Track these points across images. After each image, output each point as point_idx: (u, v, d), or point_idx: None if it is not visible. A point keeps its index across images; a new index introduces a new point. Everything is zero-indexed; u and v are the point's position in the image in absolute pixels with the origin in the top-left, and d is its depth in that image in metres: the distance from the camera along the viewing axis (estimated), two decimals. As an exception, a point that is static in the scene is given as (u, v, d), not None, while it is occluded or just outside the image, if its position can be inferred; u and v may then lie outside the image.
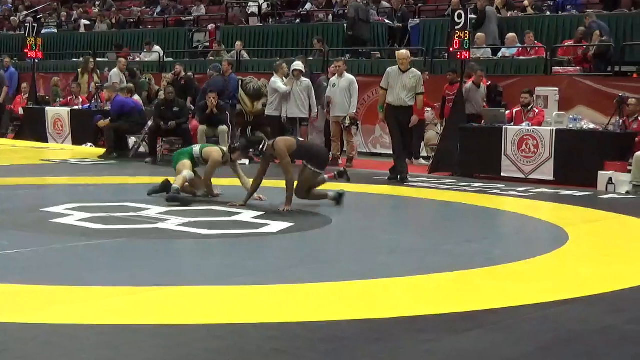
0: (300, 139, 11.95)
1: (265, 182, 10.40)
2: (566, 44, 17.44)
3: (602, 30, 16.68)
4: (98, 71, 20.21)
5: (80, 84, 20.16)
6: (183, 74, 19.13)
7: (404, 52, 13.84)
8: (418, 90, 13.38)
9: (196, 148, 11.02)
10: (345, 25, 20.71)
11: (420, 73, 13.81)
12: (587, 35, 16.81)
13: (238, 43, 21.97)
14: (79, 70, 19.41)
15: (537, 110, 14.56)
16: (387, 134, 18.10)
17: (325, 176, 10.66)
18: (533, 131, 13.88)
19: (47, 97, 21.83)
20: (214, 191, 10.76)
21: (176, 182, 10.29)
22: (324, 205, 10.25)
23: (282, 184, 10.12)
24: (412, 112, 13.68)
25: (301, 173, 10.35)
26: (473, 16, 17.14)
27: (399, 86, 13.28)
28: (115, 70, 19.22)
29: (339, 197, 10.42)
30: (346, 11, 20.93)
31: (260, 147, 10.25)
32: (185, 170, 10.48)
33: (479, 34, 17.84)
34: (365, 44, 20.45)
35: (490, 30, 18.67)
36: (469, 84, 15.48)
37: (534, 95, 14.74)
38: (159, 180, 10.74)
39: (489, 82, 16.07)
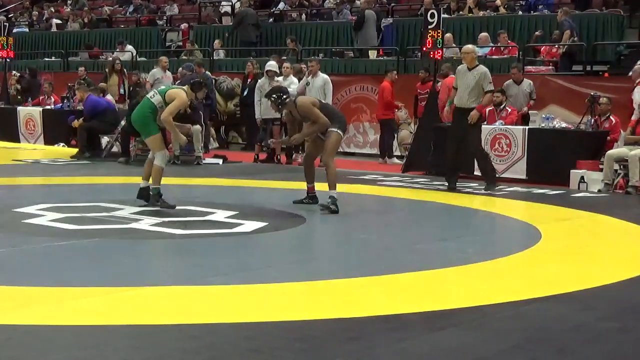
0: (322, 101, 11.20)
1: (265, 183, 10.32)
2: (536, 44, 17.57)
3: (574, 30, 16.80)
4: (125, 71, 19.68)
5: (100, 86, 19.16)
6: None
7: (468, 47, 12.88)
8: (485, 87, 12.22)
9: (155, 98, 9.74)
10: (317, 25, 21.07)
11: (485, 69, 12.53)
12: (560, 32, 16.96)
13: (216, 42, 21.94)
14: (107, 70, 18.82)
15: (509, 110, 14.65)
16: (361, 134, 18.24)
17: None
18: (506, 130, 13.96)
19: (19, 97, 21.66)
20: (184, 136, 10.20)
21: (155, 181, 9.65)
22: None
23: (283, 184, 10.06)
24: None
25: (327, 139, 9.89)
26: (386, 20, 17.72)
27: (463, 85, 12.31)
28: (157, 69, 18.61)
29: (329, 208, 9.77)
30: (235, 14, 22.65)
31: (285, 96, 9.83)
32: (159, 154, 9.68)
33: (447, 35, 17.93)
34: (255, 45, 21.50)
35: (369, 33, 19.50)
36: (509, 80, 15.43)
37: (506, 94, 14.84)
38: (132, 180, 10.69)
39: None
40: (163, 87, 10.22)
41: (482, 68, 12.43)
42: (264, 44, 21.93)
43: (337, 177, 9.90)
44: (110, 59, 21.41)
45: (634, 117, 12.97)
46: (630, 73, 14.30)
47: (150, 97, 9.82)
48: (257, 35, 21.88)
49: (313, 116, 9.81)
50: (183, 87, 10.02)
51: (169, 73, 18.12)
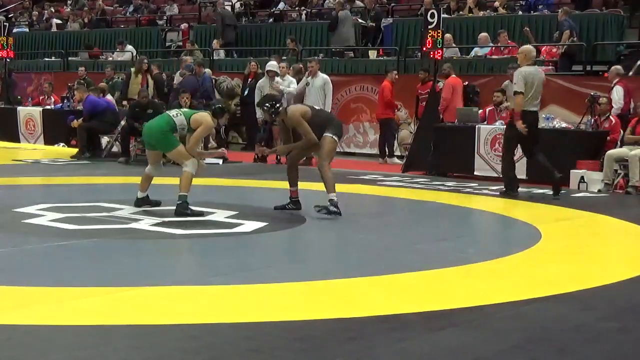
0: (316, 107, 10.82)
1: (265, 183, 10.29)
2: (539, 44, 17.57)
3: (573, 30, 16.81)
4: (151, 69, 19.51)
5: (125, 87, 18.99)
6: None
7: (522, 47, 12.46)
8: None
9: (178, 119, 9.48)
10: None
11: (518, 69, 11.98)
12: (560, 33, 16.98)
13: (215, 42, 21.94)
14: (132, 70, 18.75)
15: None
16: (361, 134, 18.25)
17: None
18: (506, 130, 13.94)
19: (20, 97, 21.67)
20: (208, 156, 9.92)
21: (183, 188, 9.25)
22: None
23: (283, 184, 10.03)
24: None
25: (322, 145, 9.61)
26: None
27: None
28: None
29: (328, 210, 9.54)
30: (215, 18, 23.03)
31: (278, 105, 9.64)
32: (189, 162, 9.33)
33: (447, 35, 17.94)
34: (236, 44, 21.85)
35: (343, 33, 19.86)
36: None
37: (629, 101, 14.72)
38: (132, 180, 10.68)
39: (466, 82, 16.11)
40: (186, 109, 9.97)
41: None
42: (263, 44, 21.94)
43: (334, 180, 9.65)
44: (107, 59, 21.40)
45: (613, 112, 13.46)
46: (607, 74, 14.57)
47: (173, 115, 9.53)
48: (235, 35, 22.41)
49: (301, 129, 9.59)
50: (206, 111, 9.87)
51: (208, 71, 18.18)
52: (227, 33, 22.20)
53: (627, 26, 18.31)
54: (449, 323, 5.34)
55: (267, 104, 9.72)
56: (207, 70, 18.42)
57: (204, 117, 9.53)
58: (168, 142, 9.47)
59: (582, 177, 12.76)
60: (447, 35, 17.90)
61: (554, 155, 13.32)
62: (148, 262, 7.25)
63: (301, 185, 9.91)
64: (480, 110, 14.93)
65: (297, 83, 16.11)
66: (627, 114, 13.69)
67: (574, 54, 16.89)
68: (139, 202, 9.71)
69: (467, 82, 16.12)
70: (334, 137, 9.66)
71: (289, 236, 8.74)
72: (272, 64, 16.32)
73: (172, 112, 9.71)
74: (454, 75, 15.77)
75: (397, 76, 16.66)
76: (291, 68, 16.90)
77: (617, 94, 13.95)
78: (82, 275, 6.41)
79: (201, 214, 9.36)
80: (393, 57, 19.44)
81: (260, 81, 16.32)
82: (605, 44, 17.25)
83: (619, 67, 14.54)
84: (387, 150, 16.83)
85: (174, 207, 9.22)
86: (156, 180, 9.88)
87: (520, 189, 12.44)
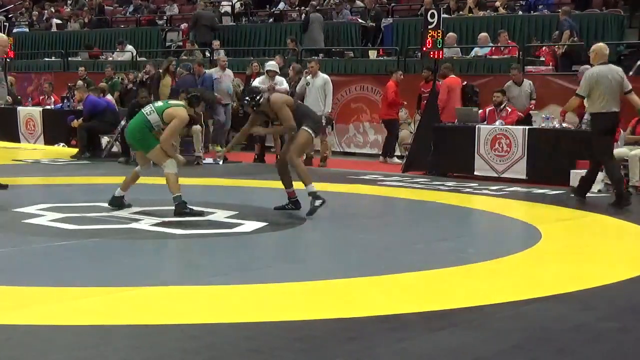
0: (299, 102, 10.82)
1: (265, 183, 10.26)
2: (537, 44, 17.58)
3: (573, 30, 16.81)
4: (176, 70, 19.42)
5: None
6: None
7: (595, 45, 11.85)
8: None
9: (152, 116, 9.33)
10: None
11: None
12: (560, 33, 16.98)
13: (215, 42, 21.94)
14: (161, 71, 18.55)
15: (509, 109, 14.66)
16: (361, 134, 18.26)
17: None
18: (506, 130, 13.96)
19: (20, 97, 21.68)
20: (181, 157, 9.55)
21: (172, 189, 9.20)
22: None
23: (265, 183, 10.04)
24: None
25: (296, 135, 9.59)
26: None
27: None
28: (216, 68, 18.23)
29: (314, 209, 9.48)
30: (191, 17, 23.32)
31: (258, 97, 9.55)
32: (168, 162, 9.24)
33: (451, 34, 17.93)
34: (210, 45, 21.93)
35: (314, 35, 20.47)
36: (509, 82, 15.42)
37: (506, 94, 14.85)
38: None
39: (465, 82, 16.12)
40: (160, 103, 9.80)
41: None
42: (263, 44, 21.94)
43: (308, 171, 9.49)
44: (107, 59, 21.33)
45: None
46: (577, 74, 14.53)
47: (147, 113, 9.40)
48: (212, 36, 22.59)
49: (282, 114, 9.48)
50: (180, 102, 9.72)
51: (228, 71, 18.07)
52: (201, 33, 22.45)
53: (627, 26, 18.32)
54: (449, 323, 5.34)
55: (247, 97, 9.71)
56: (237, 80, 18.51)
57: (177, 110, 9.36)
58: (146, 142, 9.37)
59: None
60: (452, 35, 17.93)
61: (554, 155, 13.36)
62: (148, 262, 7.25)
63: (295, 185, 9.88)
64: (480, 111, 14.94)
65: (299, 82, 16.08)
66: None
67: (574, 53, 16.87)
68: (114, 201, 9.54)
69: (465, 82, 16.12)
70: (310, 131, 9.59)
71: (289, 236, 8.74)
72: (271, 64, 16.32)
73: (146, 110, 9.51)
74: (452, 76, 15.77)
75: (402, 76, 16.66)
76: (291, 68, 16.88)
77: None
78: (82, 275, 6.41)
79: (201, 213, 9.34)
80: (393, 57, 19.44)
81: (260, 79, 16.26)
82: (605, 43, 17.20)
83: (587, 66, 14.45)
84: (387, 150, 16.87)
85: (173, 207, 9.20)
86: (155, 180, 9.87)
87: (519, 189, 12.46)
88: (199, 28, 22.45)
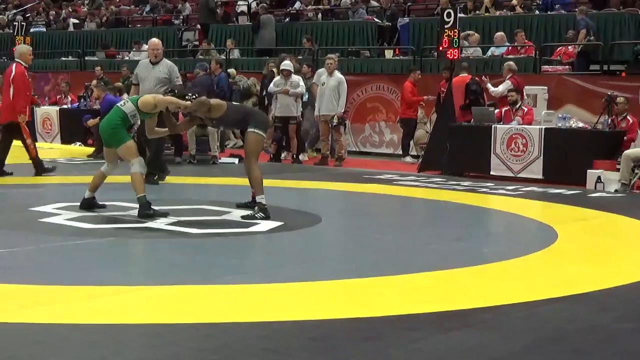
0: (234, 103, 10.56)
1: (280, 183, 10.15)
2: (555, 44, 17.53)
3: (590, 29, 16.75)
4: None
5: None
6: None
7: None
8: None
9: (127, 105, 9.25)
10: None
11: None
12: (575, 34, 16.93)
13: (229, 41, 21.97)
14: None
15: (526, 109, 14.62)
16: (377, 133, 18.24)
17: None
18: (522, 130, 13.92)
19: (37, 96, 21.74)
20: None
21: (137, 189, 9.05)
22: (314, 204, 10.23)
23: (298, 183, 10.01)
24: None
25: (246, 142, 9.38)
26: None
27: None
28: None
29: (254, 217, 9.11)
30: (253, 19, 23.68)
31: (193, 96, 9.28)
32: (135, 161, 9.18)
33: (476, 36, 17.93)
34: (253, 44, 22.40)
35: (266, 35, 21.48)
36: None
37: (522, 94, 14.82)
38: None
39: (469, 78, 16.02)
40: (135, 96, 9.72)
41: None
42: (279, 44, 21.94)
43: (262, 180, 9.22)
44: (123, 58, 21.34)
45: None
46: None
47: (121, 105, 9.31)
48: (212, 17, 23.62)
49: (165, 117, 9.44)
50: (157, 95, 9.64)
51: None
52: (202, 15, 23.46)
53: (644, 25, 18.22)
54: (464, 323, 5.33)
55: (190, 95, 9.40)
56: (232, 71, 18.46)
57: (153, 95, 9.41)
58: (117, 137, 9.20)
59: (599, 177, 12.70)
60: (476, 35, 17.92)
61: (570, 155, 13.32)
62: (164, 261, 7.26)
63: (311, 184, 9.87)
64: (497, 110, 14.90)
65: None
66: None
67: (590, 53, 16.82)
68: (84, 204, 9.40)
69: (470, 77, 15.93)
70: (257, 131, 9.26)
71: (304, 236, 8.73)
72: (286, 63, 16.31)
73: (121, 102, 9.47)
74: (463, 74, 15.67)
75: (419, 76, 16.66)
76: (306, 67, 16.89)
77: (503, 86, 15.14)
78: (98, 274, 6.43)
79: (165, 214, 9.03)
80: (409, 56, 19.42)
81: (275, 80, 16.26)
82: (622, 43, 17.16)
83: (512, 63, 15.52)
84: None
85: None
86: (171, 180, 9.86)
87: (535, 189, 12.41)
88: (201, 10, 23.45)
